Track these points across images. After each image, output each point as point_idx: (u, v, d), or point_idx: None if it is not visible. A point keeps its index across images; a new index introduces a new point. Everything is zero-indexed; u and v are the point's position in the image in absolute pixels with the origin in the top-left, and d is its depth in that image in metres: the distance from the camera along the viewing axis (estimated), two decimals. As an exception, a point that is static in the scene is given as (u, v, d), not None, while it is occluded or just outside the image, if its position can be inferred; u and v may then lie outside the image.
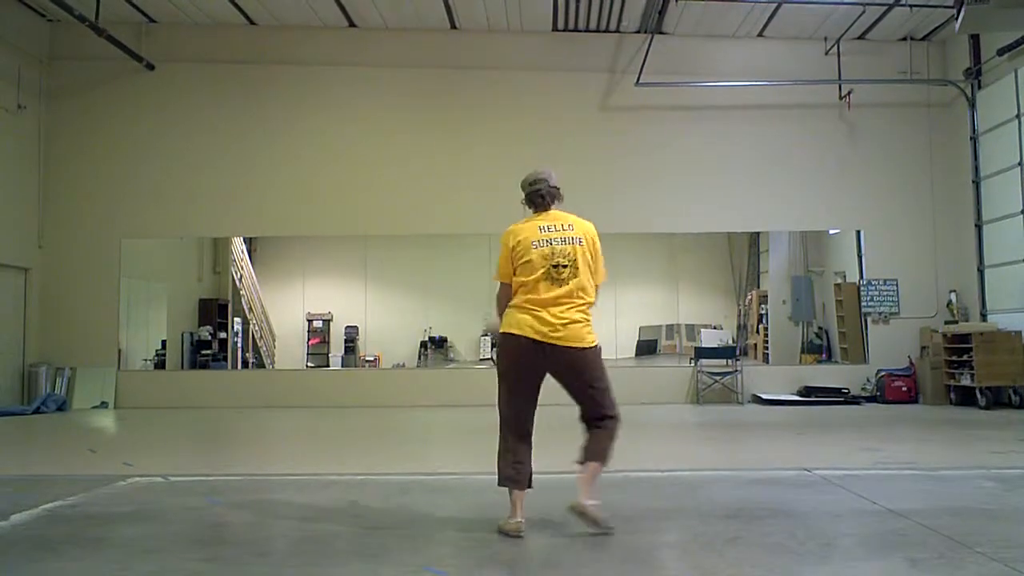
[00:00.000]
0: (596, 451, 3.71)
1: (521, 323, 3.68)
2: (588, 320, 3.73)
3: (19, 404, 10.89)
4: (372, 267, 13.24)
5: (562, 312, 3.66)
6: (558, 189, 3.94)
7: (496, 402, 3.83)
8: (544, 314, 3.65)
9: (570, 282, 3.69)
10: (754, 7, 11.15)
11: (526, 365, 3.70)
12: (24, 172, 11.49)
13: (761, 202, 11.98)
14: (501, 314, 3.85)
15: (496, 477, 3.75)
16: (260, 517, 4.22)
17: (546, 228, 3.79)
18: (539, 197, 3.89)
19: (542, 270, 3.69)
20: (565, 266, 3.70)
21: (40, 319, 11.57)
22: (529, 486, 3.75)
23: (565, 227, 3.80)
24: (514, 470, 3.70)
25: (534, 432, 3.84)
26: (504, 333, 3.75)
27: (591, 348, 3.71)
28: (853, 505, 4.25)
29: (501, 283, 3.86)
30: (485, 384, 11.74)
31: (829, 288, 12.95)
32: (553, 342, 3.63)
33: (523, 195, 3.95)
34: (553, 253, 3.71)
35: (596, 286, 3.83)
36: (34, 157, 11.67)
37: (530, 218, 3.88)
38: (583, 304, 3.72)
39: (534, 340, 3.64)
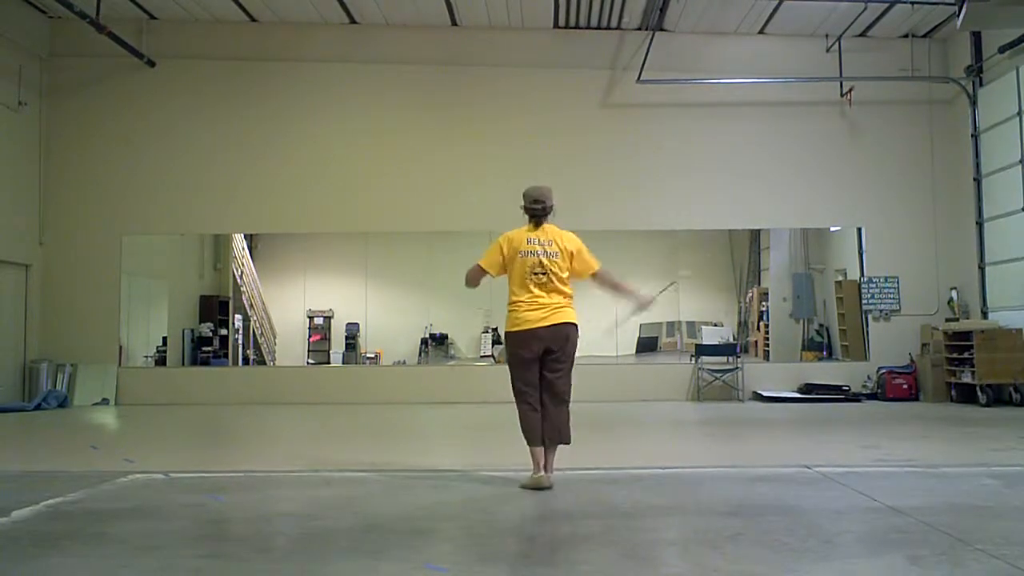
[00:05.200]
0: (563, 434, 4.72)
1: (522, 320, 4.65)
2: (567, 304, 4.75)
3: (20, 401, 10.89)
4: (373, 264, 13.24)
5: (546, 300, 4.68)
6: (552, 208, 4.82)
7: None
8: (535, 306, 4.66)
9: (547, 284, 4.69)
10: (755, 4, 11.13)
11: (532, 348, 4.66)
12: (25, 169, 11.48)
13: (762, 199, 11.98)
14: (468, 281, 4.85)
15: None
16: (261, 514, 4.22)
17: (533, 240, 4.74)
18: (535, 216, 4.81)
19: (525, 275, 4.67)
20: (544, 273, 4.68)
21: (41, 316, 11.58)
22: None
23: (546, 243, 4.73)
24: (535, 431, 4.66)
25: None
26: (510, 331, 4.72)
27: (573, 324, 4.73)
28: (854, 502, 4.25)
29: (479, 265, 4.79)
30: (486, 381, 11.83)
31: (830, 285, 12.95)
32: (547, 324, 4.65)
33: (523, 203, 4.82)
34: (535, 264, 4.68)
35: (593, 273, 4.86)
36: (35, 154, 11.66)
37: (525, 229, 4.79)
38: (560, 294, 4.73)
39: (535, 328, 4.63)
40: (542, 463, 4.60)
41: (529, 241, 4.71)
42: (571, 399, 4.76)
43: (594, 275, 4.86)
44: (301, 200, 11.90)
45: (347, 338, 13.23)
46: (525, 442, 4.66)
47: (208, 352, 12.58)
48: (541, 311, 4.63)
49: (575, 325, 4.73)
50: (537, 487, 4.54)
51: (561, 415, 4.67)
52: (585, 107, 12.02)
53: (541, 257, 4.67)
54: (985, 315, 10.96)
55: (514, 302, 4.70)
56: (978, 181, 11.31)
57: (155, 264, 12.64)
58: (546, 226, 4.79)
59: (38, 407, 10.61)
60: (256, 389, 11.61)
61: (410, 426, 8.96)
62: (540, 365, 4.68)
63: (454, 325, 13.29)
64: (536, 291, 4.65)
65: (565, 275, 4.72)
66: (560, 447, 4.72)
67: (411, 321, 13.28)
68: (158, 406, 10.93)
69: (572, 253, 4.76)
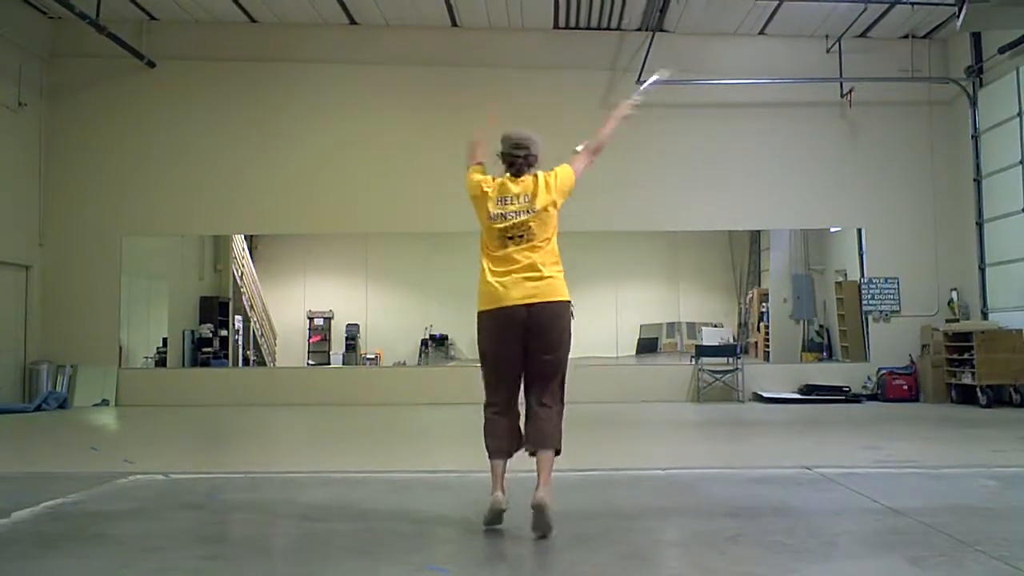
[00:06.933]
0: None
1: (494, 296, 3.71)
2: (555, 274, 3.76)
3: (20, 402, 10.88)
4: (373, 265, 13.25)
5: (526, 268, 3.71)
6: (536, 159, 3.93)
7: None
8: (508, 275, 3.70)
9: (529, 246, 3.73)
10: (755, 5, 11.13)
11: (506, 330, 3.73)
12: (25, 170, 11.47)
13: (762, 200, 11.97)
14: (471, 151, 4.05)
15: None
16: (260, 515, 4.22)
17: (507, 200, 3.80)
18: (513, 164, 3.90)
19: (497, 239, 3.77)
20: (522, 236, 3.74)
21: (41, 317, 11.57)
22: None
23: (522, 197, 3.80)
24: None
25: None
26: (480, 311, 3.80)
27: (563, 301, 3.74)
28: (854, 503, 4.24)
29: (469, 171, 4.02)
30: (486, 382, 11.71)
31: (830, 286, 12.95)
32: (527, 301, 3.67)
33: (500, 149, 3.96)
34: (508, 228, 3.75)
35: (575, 170, 4.06)
36: (35, 155, 11.66)
37: (500, 181, 3.89)
38: (545, 261, 3.74)
39: (510, 306, 3.67)
40: (500, 480, 3.67)
41: (501, 201, 3.78)
42: (564, 399, 3.83)
43: (576, 168, 4.09)
44: (301, 200, 11.89)
45: (347, 339, 13.24)
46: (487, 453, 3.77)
47: (208, 353, 12.59)
48: (519, 283, 3.66)
49: (567, 302, 3.73)
50: (491, 521, 3.63)
51: (548, 416, 3.70)
52: (585, 108, 11.98)
53: (515, 219, 3.74)
54: (985, 316, 10.95)
55: (484, 273, 3.75)
56: (978, 182, 11.30)
57: (155, 265, 12.64)
58: (525, 177, 3.85)
59: (38, 408, 10.60)
60: (256, 390, 11.59)
61: (410, 427, 8.96)
62: (522, 355, 3.72)
63: (454, 326, 13.29)
64: (513, 256, 3.71)
65: (551, 233, 3.78)
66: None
67: (411, 322, 13.28)
68: (158, 407, 10.91)
69: (551, 185, 3.86)
